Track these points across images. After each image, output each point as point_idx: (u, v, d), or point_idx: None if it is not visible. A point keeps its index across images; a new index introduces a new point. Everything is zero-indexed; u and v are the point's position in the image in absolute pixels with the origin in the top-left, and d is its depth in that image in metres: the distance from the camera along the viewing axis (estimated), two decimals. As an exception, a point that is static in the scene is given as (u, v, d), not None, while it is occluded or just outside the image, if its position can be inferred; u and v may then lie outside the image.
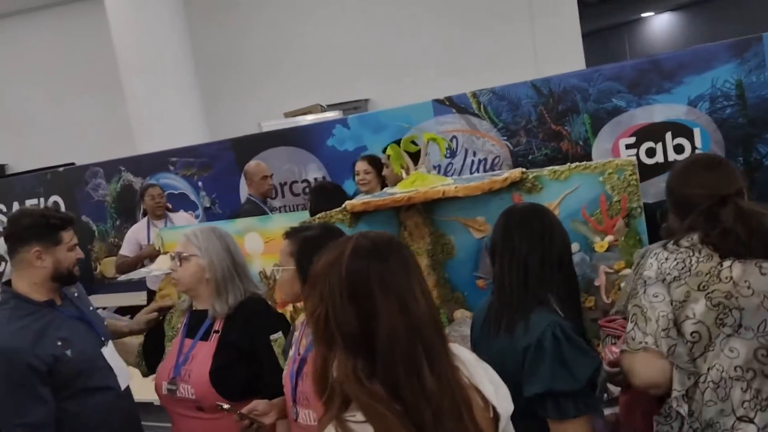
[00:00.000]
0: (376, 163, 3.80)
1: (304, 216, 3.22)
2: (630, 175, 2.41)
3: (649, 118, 3.80)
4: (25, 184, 6.46)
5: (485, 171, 4.25)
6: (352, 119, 4.97)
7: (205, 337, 2.27)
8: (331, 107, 7.73)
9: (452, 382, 1.13)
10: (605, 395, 2.19)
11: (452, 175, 4.24)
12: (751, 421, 1.61)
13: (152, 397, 2.87)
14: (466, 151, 4.38)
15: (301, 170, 5.09)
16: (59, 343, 2.04)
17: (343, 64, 8.31)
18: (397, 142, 2.82)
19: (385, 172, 3.61)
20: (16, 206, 6.43)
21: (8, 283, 2.14)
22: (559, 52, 7.38)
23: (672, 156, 3.75)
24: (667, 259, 1.71)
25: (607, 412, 2.06)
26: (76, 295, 2.28)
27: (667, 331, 1.67)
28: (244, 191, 5.32)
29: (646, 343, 1.68)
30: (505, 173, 2.59)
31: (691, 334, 1.65)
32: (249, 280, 2.36)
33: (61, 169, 6.54)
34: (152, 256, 4.81)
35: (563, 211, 2.52)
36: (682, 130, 3.73)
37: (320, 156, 5.01)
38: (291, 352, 2.11)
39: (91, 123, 9.24)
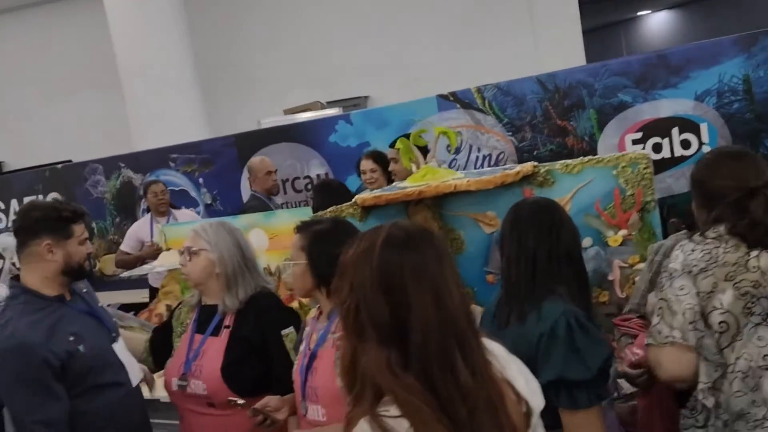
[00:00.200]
0: (381, 160, 3.77)
1: (308, 212, 3.19)
2: (644, 168, 2.39)
3: (656, 114, 3.78)
4: (23, 181, 6.41)
5: (490, 167, 4.23)
6: (355, 115, 4.94)
7: (216, 333, 2.24)
8: (331, 104, 7.70)
9: (486, 376, 1.11)
10: (615, 392, 2.17)
11: (456, 171, 4.21)
12: None
13: (159, 393, 2.85)
14: (471, 146, 4.36)
15: (304, 166, 5.06)
16: (71, 339, 2.00)
17: (342, 62, 8.27)
18: (406, 136, 2.79)
19: (392, 167, 3.57)
20: (14, 204, 6.38)
21: (17, 278, 2.10)
22: (559, 48, 7.36)
23: (679, 151, 3.74)
24: (693, 250, 1.70)
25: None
26: (84, 291, 2.24)
27: (695, 323, 1.67)
28: (245, 187, 5.29)
29: (673, 337, 1.67)
30: (517, 167, 2.56)
31: (719, 324, 1.64)
32: (259, 274, 2.34)
33: (59, 166, 6.49)
34: (152, 256, 4.77)
35: (576, 206, 2.50)
36: (689, 125, 3.72)
37: (323, 152, 4.98)
38: (301, 347, 2.09)
39: (89, 121, 9.17)
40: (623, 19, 14.89)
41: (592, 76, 3.94)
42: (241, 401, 2.02)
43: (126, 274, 4.40)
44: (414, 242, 1.13)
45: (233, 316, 2.23)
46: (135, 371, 2.22)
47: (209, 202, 5.52)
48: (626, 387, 2.11)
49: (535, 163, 2.59)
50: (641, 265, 2.32)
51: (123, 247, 5.02)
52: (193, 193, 5.59)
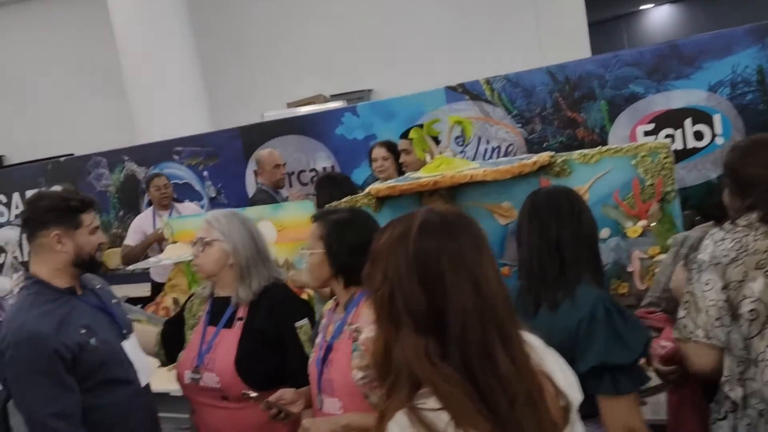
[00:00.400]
0: (393, 150, 3.72)
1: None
2: (665, 158, 2.34)
3: (668, 105, 3.75)
4: (25, 174, 6.36)
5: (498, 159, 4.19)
6: (361, 107, 4.89)
7: (229, 325, 2.20)
8: (334, 97, 7.65)
9: (526, 368, 1.06)
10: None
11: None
12: None
13: (168, 387, 2.81)
14: (479, 138, 4.32)
15: (310, 159, 5.01)
16: (83, 332, 1.95)
17: (346, 55, 8.22)
18: (420, 126, 2.74)
19: (403, 158, 3.53)
20: (16, 197, 6.33)
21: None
22: (564, 42, 7.30)
23: (692, 143, 3.70)
24: (723, 239, 1.67)
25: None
26: (98, 287, 2.19)
27: (721, 319, 1.66)
28: (250, 181, 5.25)
29: (697, 336, 1.68)
30: (534, 157, 2.52)
31: (749, 312, 1.62)
32: (272, 265, 2.30)
33: (62, 159, 6.44)
34: (158, 240, 4.71)
35: (593, 196, 2.45)
36: (702, 116, 3.68)
37: (329, 145, 4.94)
38: (317, 339, 2.05)
39: (90, 114, 9.11)
40: (625, 13, 14.82)
41: (603, 67, 3.90)
42: (254, 394, 1.99)
43: (132, 267, 4.35)
44: (451, 228, 1.08)
45: (247, 308, 2.19)
46: (145, 370, 2.16)
47: (214, 195, 5.48)
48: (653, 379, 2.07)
49: (552, 153, 2.54)
50: (661, 257, 2.29)
51: (127, 242, 4.98)
52: (198, 187, 5.54)
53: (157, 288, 4.86)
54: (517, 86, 4.20)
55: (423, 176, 2.56)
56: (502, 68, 4.52)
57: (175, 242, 4.06)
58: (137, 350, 2.17)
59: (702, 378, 1.73)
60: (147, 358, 2.25)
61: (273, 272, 2.26)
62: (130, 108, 6.92)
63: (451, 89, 4.38)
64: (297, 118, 5.39)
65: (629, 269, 2.34)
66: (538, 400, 1.05)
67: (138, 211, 5.61)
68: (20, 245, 6.40)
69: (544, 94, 4.10)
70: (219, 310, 2.24)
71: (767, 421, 1.62)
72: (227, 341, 2.17)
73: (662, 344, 1.83)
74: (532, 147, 4.13)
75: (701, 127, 3.69)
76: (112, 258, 5.67)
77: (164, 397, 2.79)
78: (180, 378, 2.26)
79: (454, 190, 2.66)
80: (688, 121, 3.71)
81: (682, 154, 3.68)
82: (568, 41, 7.25)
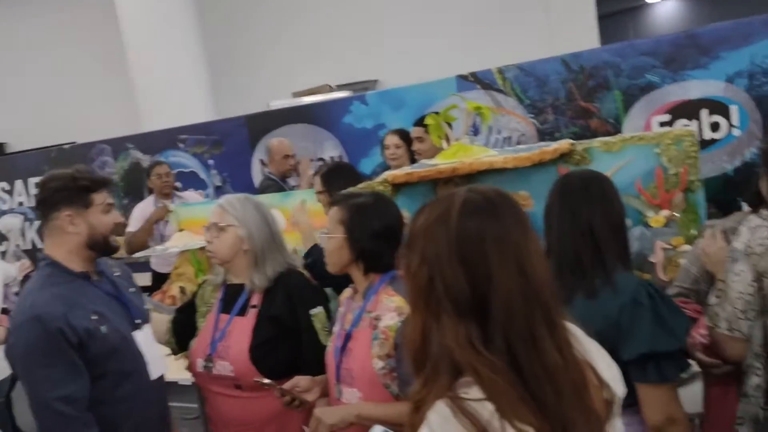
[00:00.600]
0: (405, 138, 3.66)
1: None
2: (689, 146, 2.29)
3: (685, 95, 3.67)
4: (29, 162, 6.29)
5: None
6: (370, 96, 4.82)
7: (242, 312, 2.15)
8: (340, 87, 7.58)
9: (572, 357, 1.00)
10: None
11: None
12: None
13: (176, 376, 2.77)
14: (490, 128, 4.25)
15: (317, 148, 4.95)
16: (94, 317, 1.89)
17: (352, 45, 8.14)
18: (436, 113, 2.69)
19: (416, 146, 3.47)
20: (19, 184, 6.28)
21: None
22: (574, 33, 7.22)
23: (708, 134, 3.64)
24: (758, 226, 1.62)
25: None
26: (117, 274, 2.13)
27: (746, 312, 1.63)
28: (256, 170, 5.19)
29: (721, 327, 1.67)
30: (554, 144, 2.47)
31: None
32: (287, 251, 2.24)
33: (66, 146, 6.37)
34: (160, 218, 4.64)
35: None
36: (718, 107, 3.61)
37: (337, 133, 4.87)
38: (335, 328, 2.00)
39: (94, 102, 9.04)
40: (631, 7, 14.72)
41: (618, 56, 3.83)
42: (266, 380, 1.93)
43: (138, 254, 4.30)
44: (495, 208, 1.02)
45: (261, 296, 2.14)
46: (156, 363, 2.08)
47: (219, 184, 5.41)
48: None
49: (572, 141, 2.49)
50: (685, 247, 2.24)
51: (130, 229, 4.91)
52: (203, 175, 5.48)
53: (158, 278, 4.81)
54: (529, 75, 4.13)
55: (440, 163, 2.51)
56: (510, 59, 4.45)
57: (181, 230, 4.02)
58: (150, 342, 2.10)
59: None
60: (161, 351, 2.18)
61: (288, 258, 2.21)
62: (134, 96, 6.86)
63: (462, 78, 4.32)
64: (304, 106, 5.31)
65: (652, 259, 2.29)
66: (584, 392, 1.00)
67: (142, 200, 5.55)
68: (23, 233, 6.37)
69: (558, 83, 4.03)
70: (232, 298, 2.19)
71: None
72: (241, 329, 2.11)
73: (701, 332, 1.78)
74: (544, 137, 4.07)
75: (718, 118, 3.62)
76: (116, 246, 5.60)
77: (172, 386, 2.75)
78: (192, 366, 2.21)
79: (471, 178, 2.61)
80: (704, 112, 3.64)
81: (699, 146, 3.61)
82: (578, 32, 7.17)
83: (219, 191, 5.38)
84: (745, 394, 1.68)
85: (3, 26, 9.53)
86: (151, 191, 5.11)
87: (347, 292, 2.03)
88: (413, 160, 3.44)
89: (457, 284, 0.98)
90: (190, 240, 3.83)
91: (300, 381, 1.94)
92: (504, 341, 0.96)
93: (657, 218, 2.31)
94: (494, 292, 0.97)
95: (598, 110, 3.94)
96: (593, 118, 3.97)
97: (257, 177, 5.14)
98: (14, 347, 1.87)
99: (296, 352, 2.10)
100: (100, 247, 1.98)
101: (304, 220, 2.88)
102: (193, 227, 3.96)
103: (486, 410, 0.93)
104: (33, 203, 6.21)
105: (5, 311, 3.38)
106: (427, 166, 2.54)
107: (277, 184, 4.41)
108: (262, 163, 5.09)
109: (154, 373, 2.07)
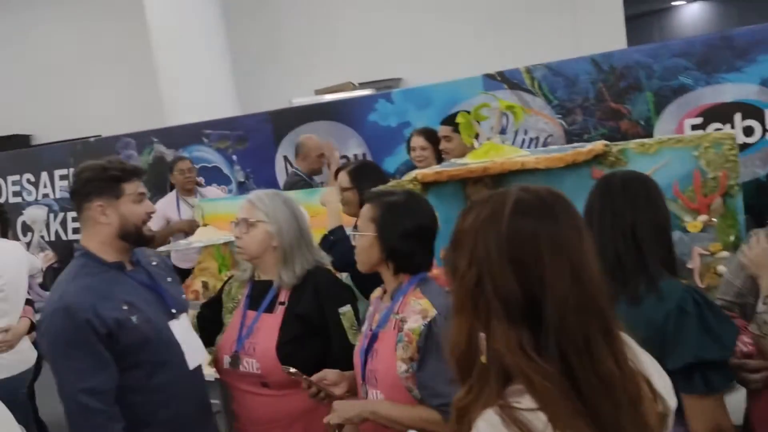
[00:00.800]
0: (432, 138, 3.62)
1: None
2: (729, 149, 2.23)
3: (718, 98, 3.59)
4: (54, 154, 6.34)
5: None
6: (396, 93, 4.78)
7: (270, 309, 2.13)
8: (363, 86, 7.55)
9: (628, 368, 0.96)
10: None
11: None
12: None
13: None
14: (517, 129, 4.20)
15: (341, 145, 4.91)
16: (125, 308, 1.88)
17: (376, 43, 8.12)
18: (467, 111, 2.65)
19: (443, 145, 3.42)
20: (44, 176, 6.32)
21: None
22: (601, 33, 7.14)
23: (741, 138, 3.55)
24: None
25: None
26: (154, 264, 2.12)
27: None
28: (280, 166, 5.17)
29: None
30: (588, 145, 2.42)
31: None
32: (316, 248, 2.22)
33: (92, 139, 6.41)
34: (183, 230, 4.64)
35: (650, 188, 2.35)
36: (752, 111, 3.53)
37: (361, 131, 4.84)
38: (364, 327, 1.97)
39: (119, 96, 9.11)
40: (657, 9, 14.55)
41: (651, 57, 3.76)
42: (293, 369, 1.90)
43: (161, 249, 4.30)
44: (549, 209, 0.97)
45: (289, 293, 2.12)
46: (195, 353, 2.07)
47: (242, 180, 5.40)
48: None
49: (606, 142, 2.44)
50: (723, 254, 2.18)
51: (151, 226, 4.88)
52: (226, 170, 5.47)
53: (178, 273, 4.77)
54: (558, 75, 4.07)
55: (471, 162, 2.47)
56: (535, 59, 4.39)
57: (205, 225, 4.02)
58: (188, 331, 2.09)
59: None
60: (199, 341, 2.16)
61: (316, 255, 2.18)
62: (159, 90, 6.89)
63: (488, 77, 4.27)
64: (329, 103, 5.29)
65: (689, 266, 2.23)
66: (640, 404, 0.95)
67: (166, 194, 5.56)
68: (47, 225, 6.41)
69: (587, 83, 3.96)
70: (259, 294, 2.17)
71: None
72: (268, 326, 2.09)
73: (745, 340, 1.72)
74: (572, 139, 4.00)
75: (751, 122, 3.53)
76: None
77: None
78: (218, 362, 2.19)
79: (500, 179, 2.57)
80: (737, 116, 3.55)
81: (732, 150, 3.54)
82: (605, 33, 7.08)
83: (242, 187, 5.38)
84: None
85: (30, 22, 9.62)
86: (173, 187, 5.11)
87: (377, 291, 2.00)
88: (440, 160, 3.39)
89: (508, 286, 0.93)
90: (213, 235, 3.82)
91: (328, 374, 1.93)
92: (557, 349, 0.91)
93: (694, 223, 2.25)
94: (547, 297, 0.93)
95: (629, 112, 3.87)
96: (623, 119, 3.90)
97: (281, 173, 5.12)
98: (43, 337, 1.88)
99: (323, 350, 2.07)
100: (132, 237, 1.97)
101: (335, 200, 2.87)
102: (217, 222, 3.96)
103: (540, 421, 0.89)
104: (58, 195, 6.26)
105: (29, 302, 3.39)
106: (458, 165, 2.51)
107: (305, 180, 4.39)
108: (286, 159, 5.07)
109: (192, 363, 2.06)
